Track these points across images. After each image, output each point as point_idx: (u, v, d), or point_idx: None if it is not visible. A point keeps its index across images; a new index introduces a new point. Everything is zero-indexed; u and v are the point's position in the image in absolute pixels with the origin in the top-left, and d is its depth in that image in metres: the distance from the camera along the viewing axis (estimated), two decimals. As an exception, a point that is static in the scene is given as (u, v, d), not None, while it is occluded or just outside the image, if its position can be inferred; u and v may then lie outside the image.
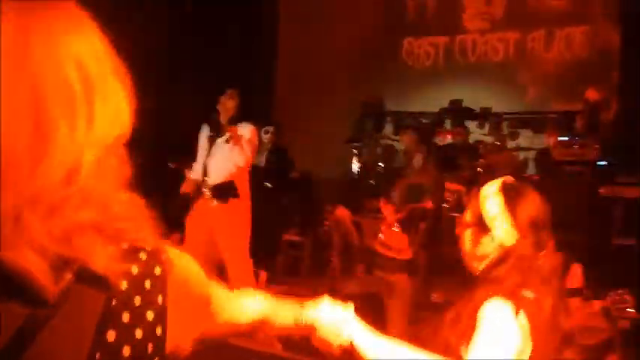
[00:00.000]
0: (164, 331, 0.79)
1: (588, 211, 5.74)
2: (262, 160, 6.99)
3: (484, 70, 8.73)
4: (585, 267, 5.27)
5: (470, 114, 8.35)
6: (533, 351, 1.52)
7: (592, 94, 6.90)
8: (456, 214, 6.68)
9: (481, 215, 1.65)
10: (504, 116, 8.16)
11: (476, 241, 1.67)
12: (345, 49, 9.02)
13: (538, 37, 8.48)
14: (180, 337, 0.84)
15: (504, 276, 1.57)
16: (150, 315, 0.78)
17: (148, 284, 0.78)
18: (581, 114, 7.04)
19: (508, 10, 8.72)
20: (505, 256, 1.61)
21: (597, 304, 3.48)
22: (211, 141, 4.88)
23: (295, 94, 8.92)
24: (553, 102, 7.98)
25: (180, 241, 6.22)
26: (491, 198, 1.64)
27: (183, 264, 0.88)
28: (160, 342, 0.79)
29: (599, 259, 5.47)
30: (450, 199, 6.63)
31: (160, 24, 8.08)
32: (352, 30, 9.04)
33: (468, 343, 1.51)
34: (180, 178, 6.68)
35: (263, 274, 5.53)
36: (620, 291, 3.44)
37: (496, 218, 1.62)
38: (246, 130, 4.75)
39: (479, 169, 7.10)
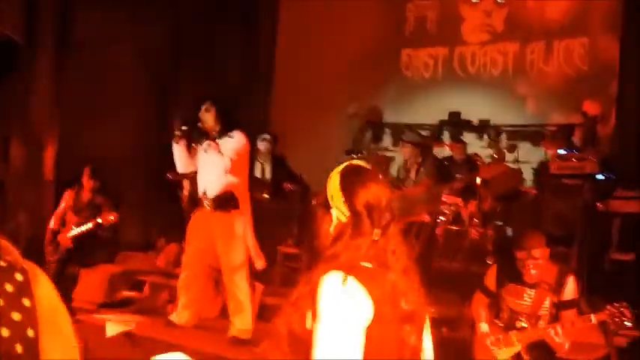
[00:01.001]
0: (36, 334, 0.84)
1: (585, 225, 5.73)
2: (260, 171, 7.00)
3: (483, 82, 8.74)
4: (582, 281, 5.26)
5: (468, 126, 8.35)
6: (377, 317, 1.54)
7: (590, 107, 6.91)
8: (453, 227, 6.70)
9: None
10: (503, 129, 8.16)
11: (325, 221, 1.72)
12: (344, 60, 9.05)
13: (537, 49, 8.48)
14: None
15: (339, 251, 1.62)
16: (16, 316, 0.83)
17: (9, 287, 0.84)
18: (580, 127, 7.05)
19: (508, 22, 8.73)
20: (340, 233, 1.67)
21: (594, 318, 3.45)
22: (194, 152, 4.92)
23: (294, 106, 8.94)
24: (552, 115, 7.98)
25: (179, 251, 6.27)
26: (331, 179, 1.73)
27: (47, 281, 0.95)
28: (31, 344, 0.83)
29: (596, 274, 5.47)
30: (448, 212, 6.64)
31: (160, 38, 8.13)
32: (351, 41, 9.07)
33: (313, 321, 1.55)
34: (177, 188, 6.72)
35: (259, 286, 5.51)
36: (618, 304, 3.41)
37: (332, 197, 1.70)
38: (234, 137, 4.76)
39: (477, 181, 7.10)
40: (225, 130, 4.78)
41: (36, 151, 6.97)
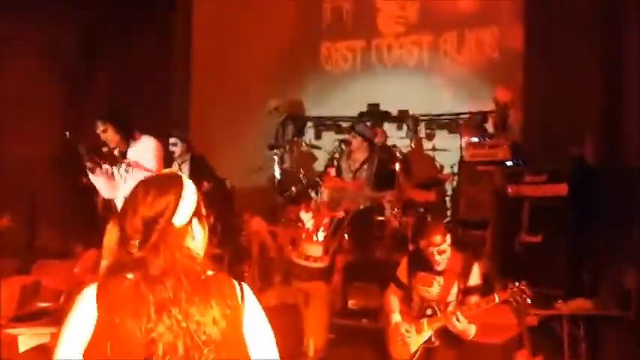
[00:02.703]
0: None
1: (497, 210, 5.95)
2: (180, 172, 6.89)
3: (400, 73, 8.90)
4: (495, 263, 5.46)
5: (388, 117, 8.48)
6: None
7: (501, 95, 7.13)
8: (376, 217, 6.78)
9: None
10: (421, 118, 8.33)
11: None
12: (263, 55, 9.02)
13: (450, 39, 8.70)
14: None
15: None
16: None
17: None
18: (492, 114, 7.28)
19: (421, 14, 8.90)
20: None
21: (498, 297, 3.59)
22: (111, 174, 4.76)
23: (214, 105, 8.85)
24: (467, 103, 8.19)
25: (97, 258, 6.11)
26: None
27: None
28: None
29: (507, 256, 5.69)
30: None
31: (70, 39, 7.89)
32: (270, 36, 9.05)
33: None
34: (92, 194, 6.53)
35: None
36: (519, 283, 3.56)
37: None
38: (145, 144, 4.67)
39: (396, 169, 7.22)
40: (129, 140, 4.64)
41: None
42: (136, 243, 1.61)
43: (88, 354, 1.59)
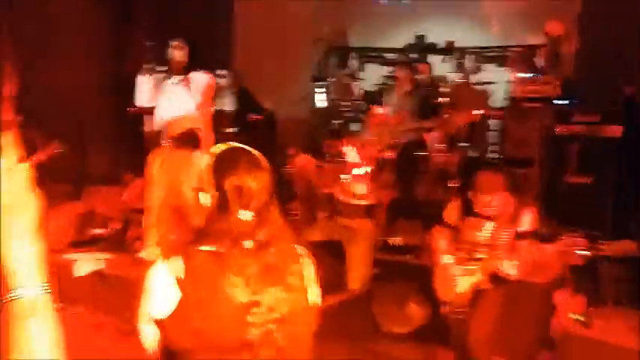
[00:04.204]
0: None
1: (544, 149, 5.85)
2: (224, 104, 6.93)
3: (449, 4, 8.63)
4: (540, 203, 5.42)
5: (434, 49, 8.30)
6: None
7: (553, 28, 6.87)
8: (419, 153, 6.75)
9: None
10: (468, 51, 8.13)
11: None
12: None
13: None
14: None
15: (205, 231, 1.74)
16: None
17: None
18: (543, 48, 7.04)
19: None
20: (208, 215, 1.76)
21: (550, 248, 3.60)
22: (164, 84, 4.88)
23: (258, 36, 8.73)
24: (516, 36, 7.95)
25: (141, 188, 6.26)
26: (204, 161, 1.79)
27: None
28: None
29: (553, 196, 5.64)
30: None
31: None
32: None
33: None
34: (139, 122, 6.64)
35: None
36: (572, 234, 3.55)
37: (203, 179, 1.76)
38: (199, 77, 4.74)
39: (442, 102, 7.13)
40: (191, 67, 4.76)
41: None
42: (247, 213, 1.70)
43: (173, 325, 1.66)
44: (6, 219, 0.89)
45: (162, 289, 1.66)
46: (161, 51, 5.18)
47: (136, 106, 5.65)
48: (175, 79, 4.79)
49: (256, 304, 1.64)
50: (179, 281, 1.63)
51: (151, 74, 4.89)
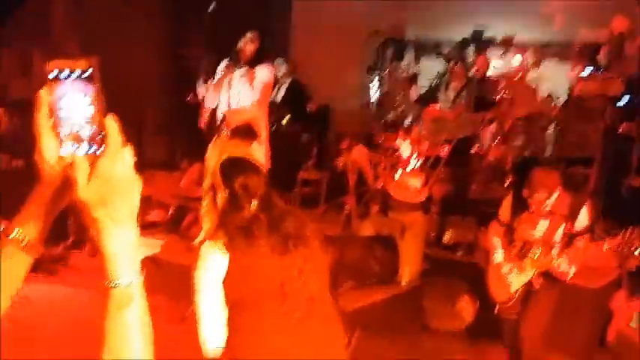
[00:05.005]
0: None
1: (606, 149, 5.69)
2: (277, 95, 6.99)
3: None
4: (598, 203, 5.28)
5: (492, 43, 8.16)
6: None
7: (618, 24, 6.67)
8: (474, 149, 6.68)
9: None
10: (528, 45, 7.96)
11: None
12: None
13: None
14: None
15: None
16: None
17: None
18: (606, 45, 6.84)
19: None
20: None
21: (607, 244, 3.50)
22: (229, 75, 4.93)
23: (315, 26, 8.75)
24: (578, 31, 7.73)
25: (202, 172, 6.39)
26: (214, 166, 2.38)
27: None
28: None
29: (613, 197, 5.48)
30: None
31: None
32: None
33: None
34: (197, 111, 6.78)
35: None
36: (632, 231, 3.44)
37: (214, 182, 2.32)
38: (263, 71, 4.78)
39: (498, 97, 7.03)
40: (258, 61, 4.81)
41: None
42: (254, 202, 2.24)
43: (228, 283, 2.15)
44: (111, 205, 0.88)
45: (213, 260, 2.15)
46: (220, 40, 5.25)
47: (196, 96, 5.75)
48: (242, 70, 4.83)
49: (287, 264, 2.13)
50: (227, 248, 2.15)
51: (206, 81, 4.97)
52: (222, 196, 2.26)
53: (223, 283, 2.15)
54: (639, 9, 6.73)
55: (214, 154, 5.07)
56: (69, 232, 5.32)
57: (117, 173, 0.88)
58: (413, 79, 8.44)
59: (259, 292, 2.14)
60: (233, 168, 2.29)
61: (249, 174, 2.28)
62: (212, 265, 2.16)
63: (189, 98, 6.43)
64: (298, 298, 2.11)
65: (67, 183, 0.90)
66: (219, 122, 4.98)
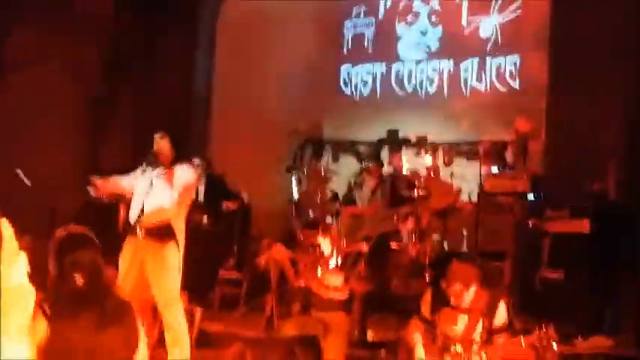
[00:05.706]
0: None
1: (517, 243, 5.91)
2: (200, 194, 6.92)
3: (420, 99, 8.93)
4: (514, 297, 5.42)
5: (406, 143, 8.49)
6: None
7: (521, 125, 7.09)
8: (393, 245, 6.76)
9: None
10: (439, 145, 8.33)
11: None
12: (282, 78, 9.06)
13: (470, 67, 8.72)
14: None
15: None
16: None
17: None
18: (512, 144, 7.24)
19: (443, 40, 8.94)
20: None
21: (524, 341, 3.56)
22: (146, 175, 4.83)
23: (233, 126, 8.88)
24: (486, 131, 8.17)
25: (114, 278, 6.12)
26: None
27: None
28: None
29: (527, 290, 5.64)
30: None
31: (94, 52, 8.02)
32: (290, 59, 9.08)
33: None
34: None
35: (198, 311, 5.44)
36: (545, 327, 3.53)
37: None
38: (184, 171, 4.71)
39: (415, 196, 7.22)
40: (176, 160, 4.74)
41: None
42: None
43: None
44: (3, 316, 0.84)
45: None
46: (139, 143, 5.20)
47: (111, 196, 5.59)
48: (160, 169, 4.75)
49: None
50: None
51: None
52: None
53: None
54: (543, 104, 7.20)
55: (127, 254, 4.90)
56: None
57: (11, 281, 0.82)
58: (330, 177, 8.61)
59: None
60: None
61: (80, 250, 2.37)
62: None
63: (104, 198, 6.25)
64: None
65: None
66: (134, 222, 4.81)
